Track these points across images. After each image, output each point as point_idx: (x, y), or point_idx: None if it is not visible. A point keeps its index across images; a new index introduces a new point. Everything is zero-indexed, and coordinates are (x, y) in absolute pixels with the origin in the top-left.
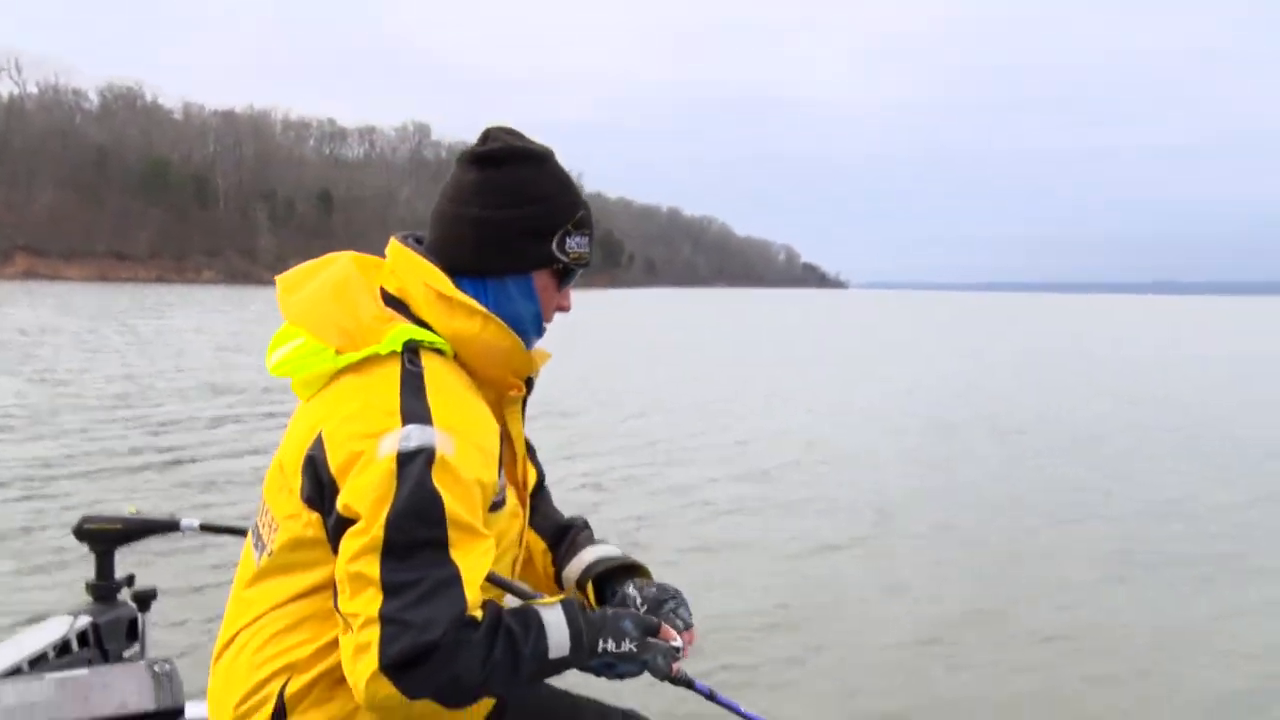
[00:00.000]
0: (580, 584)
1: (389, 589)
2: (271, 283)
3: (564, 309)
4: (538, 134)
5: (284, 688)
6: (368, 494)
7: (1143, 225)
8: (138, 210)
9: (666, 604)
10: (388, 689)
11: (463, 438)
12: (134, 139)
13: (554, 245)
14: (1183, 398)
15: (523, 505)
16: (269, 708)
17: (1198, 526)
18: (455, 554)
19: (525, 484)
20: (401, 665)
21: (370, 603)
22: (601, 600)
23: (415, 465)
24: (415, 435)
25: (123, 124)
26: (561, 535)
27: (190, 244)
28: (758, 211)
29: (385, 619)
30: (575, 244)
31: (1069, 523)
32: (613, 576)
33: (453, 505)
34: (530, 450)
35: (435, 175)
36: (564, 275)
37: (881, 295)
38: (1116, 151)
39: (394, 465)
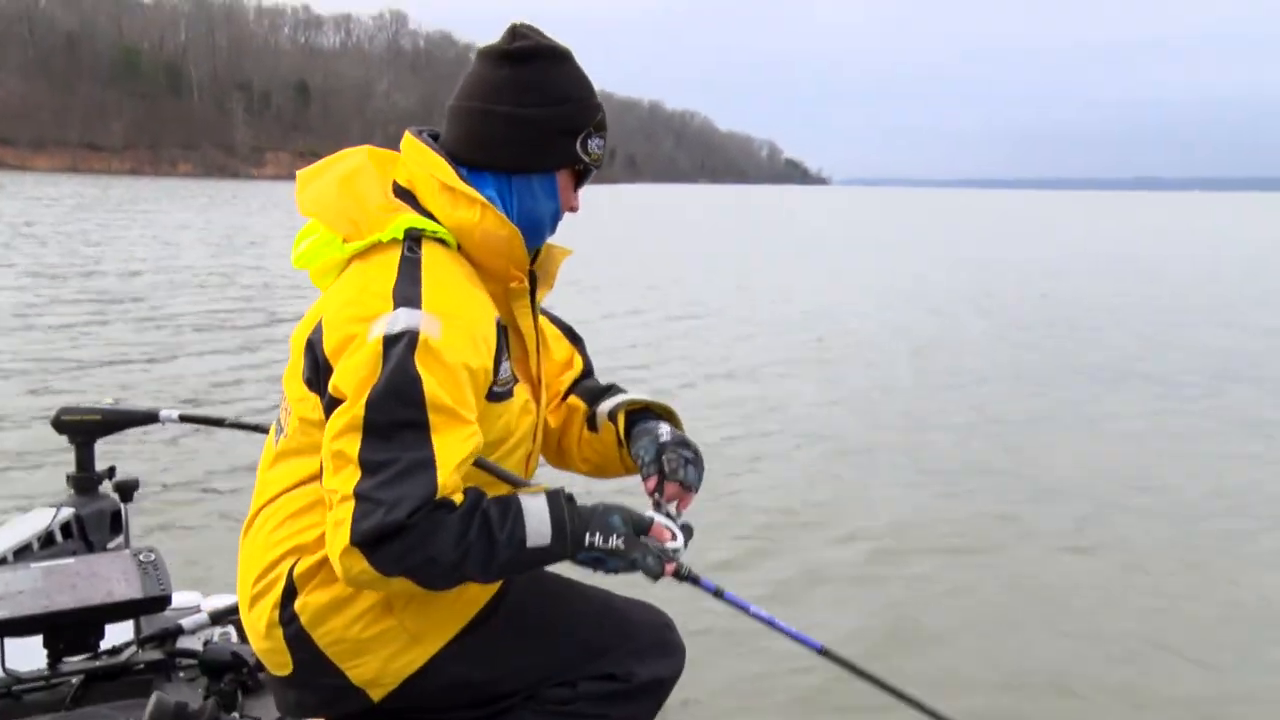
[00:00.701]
0: (611, 415)
1: (366, 467)
2: (249, 176)
3: (574, 210)
4: None
5: (293, 568)
6: (354, 375)
7: (1123, 121)
8: (110, 100)
9: (683, 452)
10: (360, 564)
11: (451, 322)
12: (103, 25)
13: (578, 145)
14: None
15: (535, 401)
16: (280, 586)
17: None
18: (435, 437)
19: (539, 380)
20: (371, 542)
21: (348, 480)
22: (630, 435)
23: (398, 347)
24: (402, 318)
25: (91, 9)
26: (602, 391)
27: (164, 135)
28: (740, 106)
29: (359, 496)
30: (595, 145)
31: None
32: (645, 416)
33: (433, 388)
34: (579, 341)
35: (413, 66)
36: (581, 176)
37: (864, 192)
38: (1096, 44)
39: (380, 347)
